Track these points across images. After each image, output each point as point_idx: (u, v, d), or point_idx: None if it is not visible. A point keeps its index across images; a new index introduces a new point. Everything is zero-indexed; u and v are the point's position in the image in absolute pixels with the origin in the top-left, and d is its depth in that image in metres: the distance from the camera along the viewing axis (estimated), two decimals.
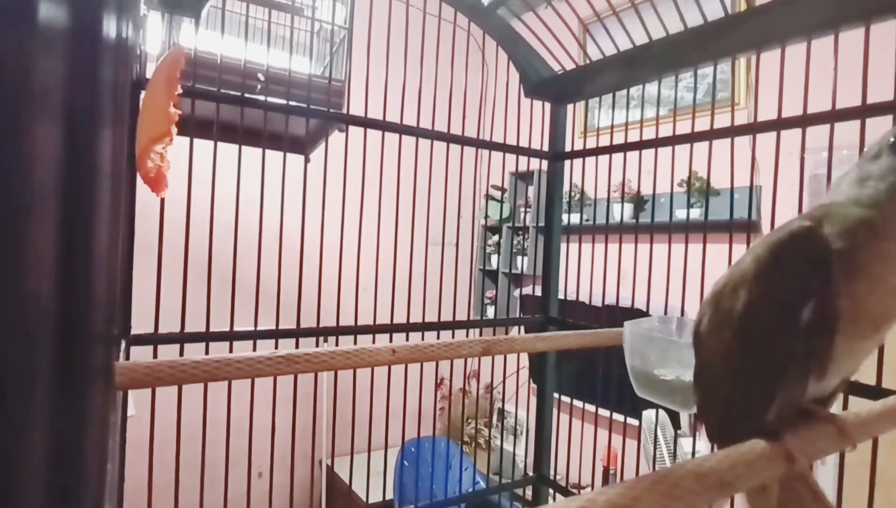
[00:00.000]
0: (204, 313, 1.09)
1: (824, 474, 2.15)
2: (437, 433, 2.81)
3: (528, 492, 1.69)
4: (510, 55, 1.49)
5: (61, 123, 0.35)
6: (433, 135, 1.32)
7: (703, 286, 1.10)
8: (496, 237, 3.80)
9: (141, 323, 1.01)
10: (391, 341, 1.21)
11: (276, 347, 1.13)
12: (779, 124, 0.99)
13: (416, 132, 1.31)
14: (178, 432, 1.02)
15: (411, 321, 1.32)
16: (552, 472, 1.55)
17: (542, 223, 1.60)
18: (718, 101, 2.42)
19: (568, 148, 1.54)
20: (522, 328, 1.66)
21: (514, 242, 3.58)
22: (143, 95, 0.87)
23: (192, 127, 1.01)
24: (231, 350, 1.11)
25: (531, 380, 2.65)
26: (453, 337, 1.30)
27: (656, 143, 1.22)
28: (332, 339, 1.23)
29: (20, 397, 0.29)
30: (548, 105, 1.53)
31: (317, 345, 1.20)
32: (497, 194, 3.39)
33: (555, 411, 1.55)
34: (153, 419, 1.02)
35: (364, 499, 2.76)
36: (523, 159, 1.54)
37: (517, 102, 1.51)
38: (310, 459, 2.92)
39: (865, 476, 0.83)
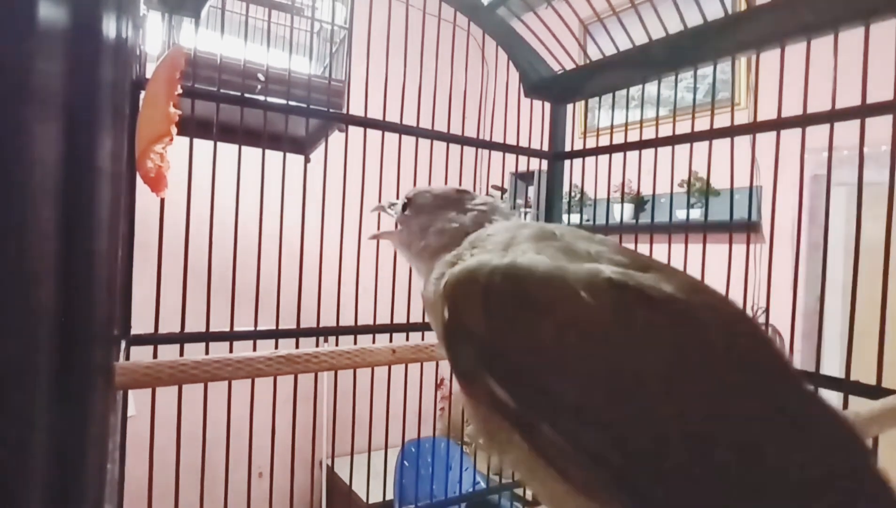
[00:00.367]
0: (204, 314, 1.09)
1: None
2: (437, 434, 2.81)
3: (529, 492, 1.68)
4: (510, 55, 1.49)
5: (61, 123, 0.35)
6: (433, 135, 1.32)
7: None
8: None
9: (141, 323, 1.01)
10: (391, 341, 1.21)
11: (277, 347, 1.13)
12: (779, 124, 0.99)
13: (416, 132, 1.31)
14: (178, 432, 1.02)
15: (411, 320, 1.32)
16: None
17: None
18: (718, 101, 2.41)
19: (568, 148, 1.54)
20: None
21: None
22: (142, 95, 0.87)
23: (191, 127, 1.00)
24: (231, 350, 1.10)
25: None
26: None
27: (656, 143, 1.22)
28: (332, 339, 1.23)
29: (21, 397, 0.29)
30: (548, 105, 1.53)
31: (317, 345, 1.20)
32: (497, 193, 3.39)
33: None
34: (153, 419, 1.01)
35: (364, 499, 2.75)
36: (523, 159, 1.54)
37: (517, 102, 1.51)
38: (310, 459, 2.91)
39: None
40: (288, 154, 1.20)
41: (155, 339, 1.02)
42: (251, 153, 1.19)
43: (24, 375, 0.30)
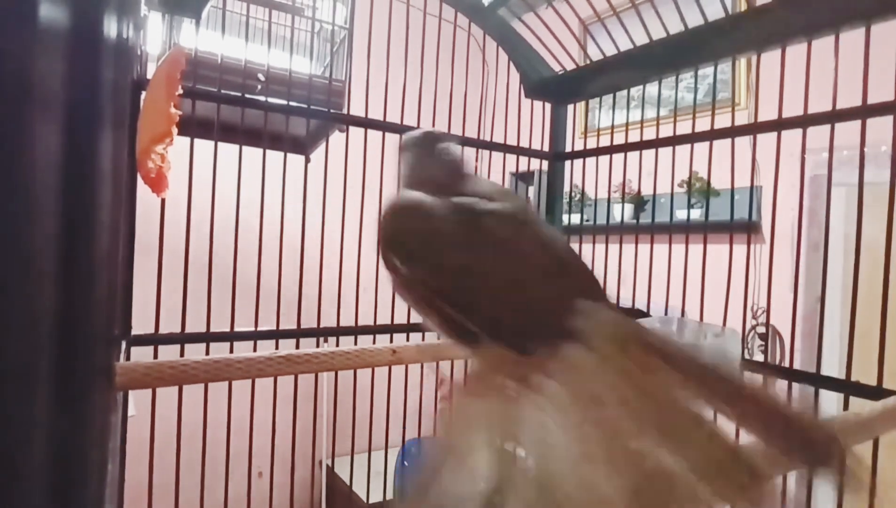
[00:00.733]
0: (204, 314, 1.09)
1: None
2: (437, 434, 2.81)
3: None
4: (511, 56, 1.49)
5: (62, 124, 0.35)
6: None
7: (704, 287, 1.10)
8: None
9: (141, 324, 1.01)
10: (392, 341, 1.22)
11: (277, 347, 1.13)
12: (779, 125, 0.99)
13: None
14: (178, 432, 1.02)
15: (412, 321, 1.32)
16: None
17: None
18: (719, 101, 2.41)
19: (568, 148, 1.54)
20: None
21: None
22: (143, 95, 0.87)
23: (192, 127, 1.01)
24: (231, 351, 1.10)
25: None
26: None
27: (657, 143, 1.22)
28: (332, 339, 1.23)
29: (22, 397, 0.29)
30: (548, 105, 1.53)
31: (317, 345, 1.20)
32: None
33: None
34: (153, 419, 1.02)
35: (364, 499, 2.75)
36: (523, 159, 1.54)
37: (517, 102, 1.51)
38: (310, 459, 2.92)
39: (865, 476, 0.83)
40: (289, 154, 1.20)
41: (155, 339, 1.02)
42: (252, 153, 1.19)
43: (25, 375, 0.30)
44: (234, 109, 1.10)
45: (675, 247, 1.16)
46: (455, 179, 0.61)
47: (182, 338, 1.06)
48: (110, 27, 0.54)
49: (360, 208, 1.23)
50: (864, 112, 0.86)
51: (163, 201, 0.99)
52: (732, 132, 1.07)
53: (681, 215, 2.40)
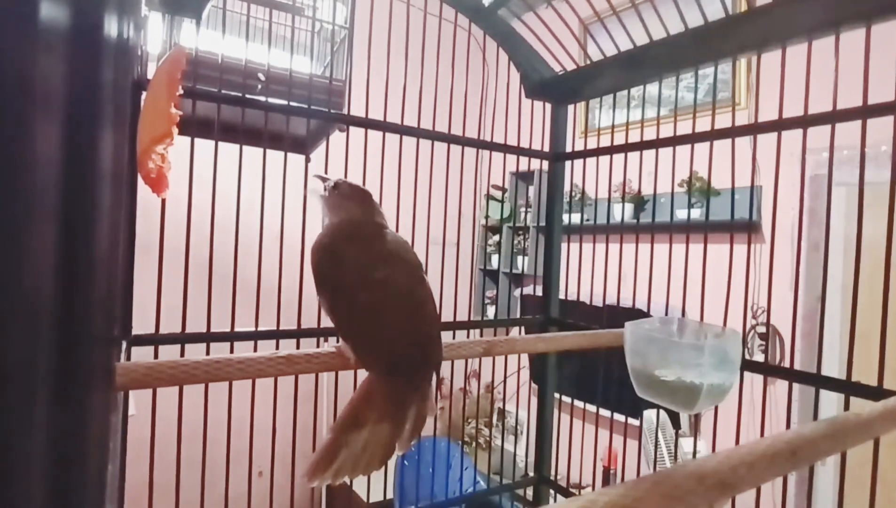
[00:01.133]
0: (205, 314, 1.09)
1: (824, 474, 2.15)
2: (437, 433, 2.81)
3: (529, 492, 1.68)
4: (511, 56, 1.49)
5: (62, 124, 0.35)
6: (434, 135, 1.32)
7: (704, 287, 1.10)
8: (496, 237, 3.80)
9: (142, 324, 1.01)
10: None
11: (277, 347, 1.14)
12: (780, 125, 0.99)
13: (417, 133, 1.31)
14: (178, 431, 1.02)
15: None
16: (553, 472, 1.55)
17: (542, 223, 1.60)
18: (719, 101, 2.41)
19: (568, 148, 1.54)
20: (523, 328, 1.66)
21: (515, 242, 3.58)
22: (144, 95, 0.87)
23: (193, 127, 1.01)
24: (232, 351, 1.11)
25: (532, 380, 2.65)
26: (454, 338, 1.30)
27: (657, 143, 1.22)
28: (332, 339, 1.23)
29: (21, 397, 0.29)
30: (548, 105, 1.53)
31: (317, 345, 1.20)
32: (497, 193, 3.39)
33: (555, 411, 1.54)
34: (154, 418, 1.02)
35: (364, 499, 2.76)
36: (524, 159, 1.54)
37: (518, 102, 1.51)
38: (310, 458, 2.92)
39: (866, 476, 0.83)
40: (289, 154, 1.20)
41: (156, 339, 1.03)
42: (252, 153, 1.19)
43: (25, 375, 0.30)
44: (234, 109, 1.10)
45: (675, 247, 1.16)
46: (369, 228, 0.77)
47: (182, 338, 1.06)
48: (111, 27, 0.54)
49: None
50: (865, 112, 0.86)
51: (163, 201, 0.99)
52: (733, 132, 1.07)
53: (681, 214, 2.41)
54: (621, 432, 1.38)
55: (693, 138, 1.14)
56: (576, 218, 2.43)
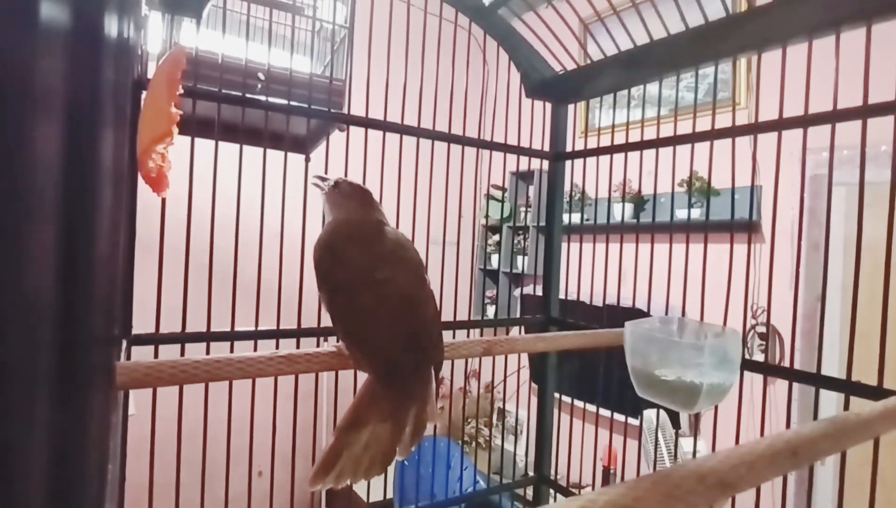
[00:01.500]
0: (205, 314, 1.09)
1: (824, 474, 2.15)
2: (437, 433, 2.81)
3: (529, 492, 1.68)
4: (511, 55, 1.49)
5: (63, 124, 0.35)
6: (434, 135, 1.32)
7: (704, 287, 1.10)
8: (496, 237, 3.80)
9: (142, 323, 1.01)
10: None
11: (277, 347, 1.14)
12: (780, 125, 0.99)
13: (417, 132, 1.31)
14: (178, 431, 1.02)
15: None
16: (553, 472, 1.55)
17: (542, 223, 1.60)
18: (719, 101, 2.41)
19: (568, 148, 1.54)
20: (523, 328, 1.66)
21: (515, 241, 3.58)
22: (144, 95, 0.87)
23: (193, 127, 1.01)
24: (232, 350, 1.11)
25: (531, 380, 2.65)
26: (454, 337, 1.30)
27: (657, 143, 1.22)
28: (332, 339, 1.23)
29: (22, 397, 0.29)
30: (548, 105, 1.53)
31: (317, 345, 1.20)
32: (497, 193, 3.39)
33: (555, 411, 1.55)
34: (154, 418, 1.02)
35: (364, 499, 2.76)
36: (524, 159, 1.54)
37: (518, 102, 1.51)
38: (310, 458, 2.91)
39: (866, 476, 0.83)
40: (289, 154, 1.20)
41: (156, 339, 1.03)
42: (252, 152, 1.19)
43: (25, 375, 0.30)
44: (234, 109, 1.10)
45: (675, 247, 1.16)
46: (370, 227, 0.77)
47: (182, 338, 1.06)
48: (111, 27, 0.54)
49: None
50: (865, 112, 0.86)
51: (163, 200, 0.99)
52: (733, 132, 1.07)
53: (681, 214, 2.41)
54: (621, 432, 1.38)
55: (693, 138, 1.14)
56: (576, 218, 2.43)
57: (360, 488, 2.91)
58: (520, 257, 3.53)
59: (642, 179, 1.30)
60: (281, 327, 1.18)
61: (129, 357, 0.96)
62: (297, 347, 1.13)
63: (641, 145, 1.27)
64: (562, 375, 1.70)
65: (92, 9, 0.46)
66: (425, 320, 0.72)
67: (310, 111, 1.19)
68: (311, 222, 1.18)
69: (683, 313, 1.14)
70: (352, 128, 1.27)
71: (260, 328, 1.13)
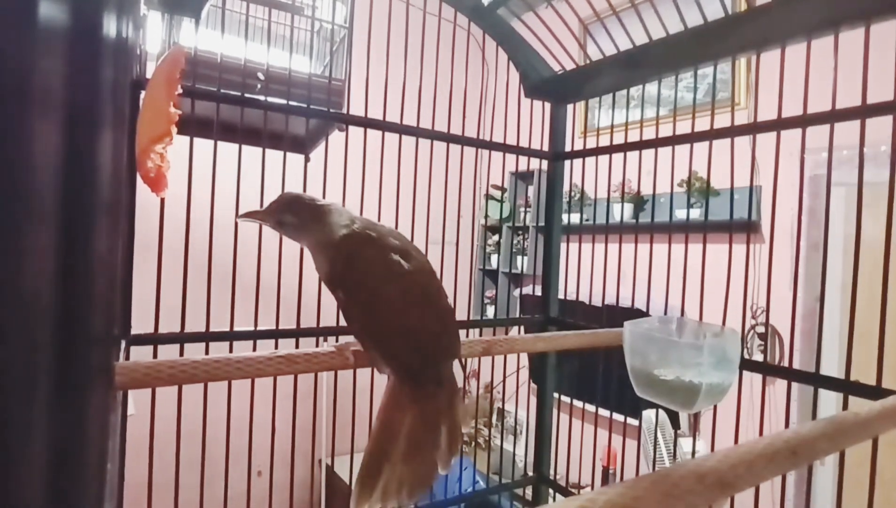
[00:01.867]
0: (204, 314, 1.09)
1: (823, 473, 2.15)
2: None
3: (528, 492, 1.68)
4: (510, 55, 1.49)
5: (61, 123, 0.35)
6: (433, 135, 1.32)
7: (703, 287, 1.10)
8: (496, 237, 3.80)
9: (141, 323, 1.01)
10: None
11: (276, 347, 1.13)
12: (779, 124, 0.99)
13: (416, 132, 1.31)
14: (178, 431, 1.02)
15: None
16: (552, 472, 1.55)
17: (542, 223, 1.61)
18: (718, 101, 2.42)
19: (568, 148, 1.54)
20: (522, 327, 1.66)
21: (514, 241, 3.58)
22: (142, 94, 0.87)
23: (192, 126, 1.00)
24: (231, 350, 1.11)
25: (531, 380, 2.65)
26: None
27: (656, 143, 1.22)
28: (332, 339, 1.23)
29: (20, 397, 0.29)
30: (548, 105, 1.53)
31: (317, 345, 1.20)
32: (497, 193, 3.39)
33: (555, 411, 1.55)
34: (153, 418, 1.02)
35: None
36: (523, 159, 1.54)
37: (517, 102, 1.51)
38: (310, 458, 2.92)
39: (865, 476, 0.83)
40: (288, 153, 1.20)
41: (155, 339, 1.03)
42: (251, 152, 1.19)
43: (24, 375, 0.30)
44: (233, 109, 1.10)
45: (674, 247, 1.16)
46: (373, 226, 0.74)
47: (182, 338, 1.06)
48: (109, 27, 0.54)
49: (359, 207, 1.22)
50: (864, 112, 0.86)
51: (162, 200, 0.99)
52: (732, 132, 1.07)
53: (680, 214, 2.41)
54: (621, 432, 1.38)
55: (692, 138, 1.14)
56: (575, 218, 2.43)
57: None
58: (519, 257, 3.53)
59: (641, 179, 1.30)
60: (280, 327, 1.17)
61: (128, 357, 0.96)
62: (297, 347, 1.13)
63: (641, 145, 1.27)
64: (561, 375, 1.70)
65: (90, 9, 0.46)
66: (446, 312, 0.71)
67: (309, 111, 1.19)
68: None
69: (682, 313, 1.14)
70: (351, 128, 1.27)
71: (259, 328, 1.13)
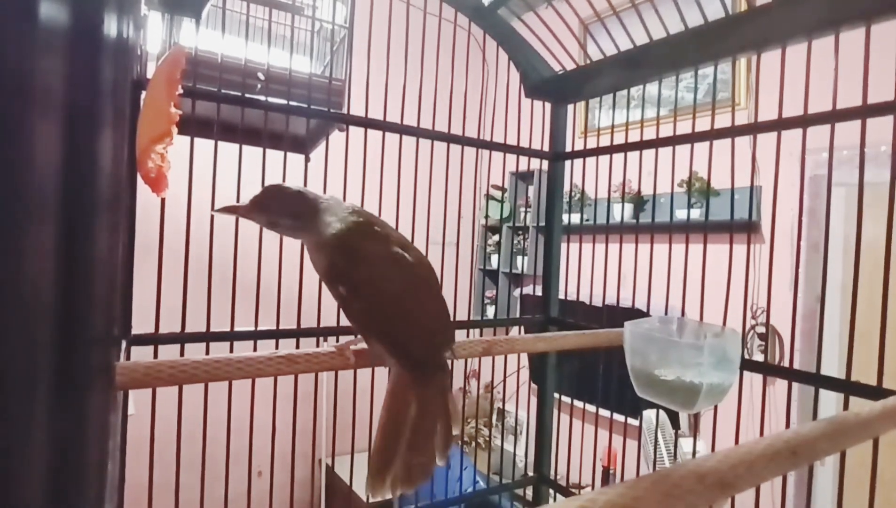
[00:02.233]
0: (204, 314, 1.09)
1: (824, 473, 2.15)
2: None
3: (528, 492, 1.68)
4: (511, 55, 1.49)
5: (62, 124, 0.35)
6: (433, 135, 1.32)
7: (704, 287, 1.10)
8: (496, 237, 3.80)
9: (141, 323, 1.01)
10: None
11: (277, 347, 1.13)
12: (779, 125, 0.99)
13: (417, 132, 1.31)
14: (178, 431, 1.02)
15: None
16: (552, 472, 1.55)
17: (542, 223, 1.61)
18: (719, 101, 2.42)
19: (568, 148, 1.54)
20: (522, 328, 1.66)
21: (514, 241, 3.58)
22: (143, 94, 0.87)
23: (192, 126, 1.00)
24: (231, 350, 1.11)
25: (531, 380, 2.65)
26: (454, 341, 1.30)
27: (657, 143, 1.22)
28: (332, 339, 1.23)
29: (21, 397, 0.29)
30: (548, 105, 1.53)
31: (317, 345, 1.20)
32: (497, 193, 3.39)
33: (555, 411, 1.55)
34: (153, 418, 1.02)
35: (364, 499, 2.75)
36: (523, 159, 1.54)
37: (517, 102, 1.51)
38: (310, 458, 2.92)
39: (865, 476, 0.83)
40: (288, 153, 1.20)
41: (155, 339, 1.03)
42: (252, 152, 1.19)
43: (25, 375, 0.30)
44: (233, 109, 1.10)
45: (674, 247, 1.16)
46: (373, 218, 0.75)
47: (182, 338, 1.06)
48: (110, 26, 0.54)
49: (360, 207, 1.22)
50: (864, 112, 0.86)
51: (163, 200, 0.99)
52: (732, 132, 1.07)
53: (681, 214, 2.40)
54: (621, 432, 1.38)
55: (693, 138, 1.14)
56: (575, 218, 2.43)
57: (359, 487, 2.91)
58: (519, 258, 3.53)
59: (642, 179, 1.30)
60: (280, 327, 1.17)
61: (128, 357, 0.96)
62: (297, 347, 1.13)
63: (641, 145, 1.27)
64: (561, 375, 1.70)
65: (91, 8, 0.46)
66: (443, 302, 0.73)
67: (309, 111, 1.19)
68: None
69: (683, 314, 1.14)
70: (351, 128, 1.27)
71: (259, 328, 1.13)
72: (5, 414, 0.26)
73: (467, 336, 1.42)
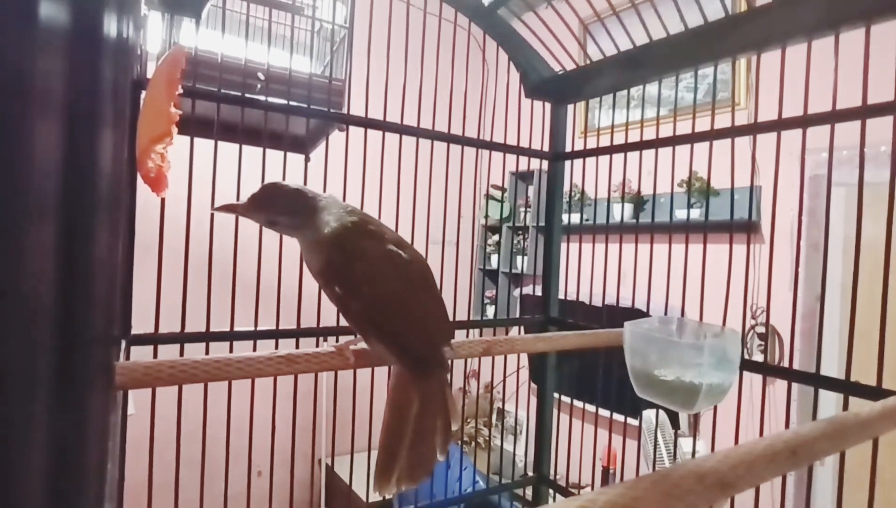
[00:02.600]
0: (204, 313, 1.09)
1: (823, 474, 2.15)
2: None
3: (528, 492, 1.68)
4: (511, 55, 1.49)
5: (62, 123, 0.35)
6: (433, 135, 1.32)
7: (704, 287, 1.10)
8: (496, 237, 3.80)
9: (141, 323, 1.01)
10: None
11: (277, 347, 1.14)
12: (779, 125, 0.99)
13: (417, 132, 1.31)
14: (178, 430, 1.02)
15: None
16: (552, 472, 1.55)
17: (542, 223, 1.61)
18: (719, 101, 2.42)
19: (568, 148, 1.54)
20: (522, 328, 1.66)
21: (514, 241, 3.58)
22: (143, 94, 0.87)
23: (192, 126, 1.00)
24: (231, 350, 1.11)
25: (531, 380, 2.65)
26: (453, 337, 1.30)
27: (656, 143, 1.22)
28: (332, 339, 1.23)
29: (21, 397, 0.29)
30: (548, 105, 1.53)
31: (317, 345, 1.20)
32: (497, 193, 3.39)
33: (555, 411, 1.55)
34: (153, 417, 1.02)
35: (364, 499, 2.75)
36: (523, 159, 1.54)
37: (517, 102, 1.51)
38: (310, 458, 2.92)
39: (865, 476, 0.83)
40: (288, 153, 1.20)
41: (155, 339, 1.03)
42: (252, 152, 1.19)
43: (25, 375, 0.30)
44: (233, 109, 1.10)
45: (674, 247, 1.16)
46: (366, 217, 0.75)
47: (182, 338, 1.06)
48: (110, 26, 0.54)
49: (359, 207, 1.22)
50: (864, 112, 0.86)
51: (163, 200, 0.99)
52: (732, 132, 1.07)
53: (680, 214, 2.40)
54: (621, 432, 1.38)
55: (692, 138, 1.14)
56: (575, 218, 2.43)
57: (359, 487, 2.91)
58: (519, 257, 3.53)
59: (642, 179, 1.30)
60: (280, 327, 1.17)
61: (128, 357, 0.96)
62: (297, 347, 1.13)
63: (641, 145, 1.27)
64: (561, 375, 1.70)
65: (91, 8, 0.46)
66: (440, 299, 0.73)
67: (309, 111, 1.19)
68: None
69: (683, 314, 1.14)
70: (351, 128, 1.27)
71: (259, 328, 1.13)
72: (5, 414, 0.26)
73: (467, 336, 1.42)
